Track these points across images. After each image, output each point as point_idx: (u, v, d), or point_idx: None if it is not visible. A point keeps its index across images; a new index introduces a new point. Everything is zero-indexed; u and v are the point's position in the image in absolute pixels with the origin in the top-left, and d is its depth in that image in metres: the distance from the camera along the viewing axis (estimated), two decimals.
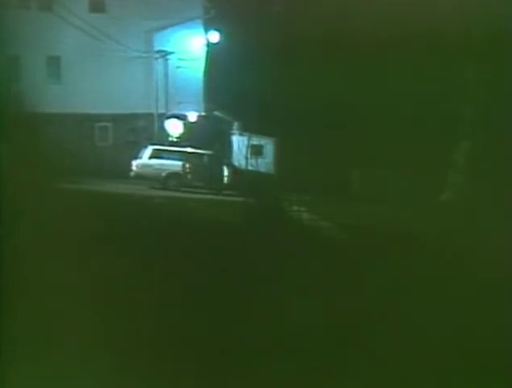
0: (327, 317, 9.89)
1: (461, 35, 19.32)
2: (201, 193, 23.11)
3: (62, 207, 12.45)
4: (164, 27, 25.25)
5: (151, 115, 25.30)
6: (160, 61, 25.39)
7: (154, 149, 24.40)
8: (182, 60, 25.60)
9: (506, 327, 9.59)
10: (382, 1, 20.54)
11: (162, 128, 25.37)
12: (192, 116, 25.60)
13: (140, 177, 23.84)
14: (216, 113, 26.17)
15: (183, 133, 25.24)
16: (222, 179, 23.98)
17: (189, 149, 24.36)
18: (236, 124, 26.42)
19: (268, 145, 25.55)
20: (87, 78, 24.27)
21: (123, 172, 23.44)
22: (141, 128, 25.45)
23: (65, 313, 9.03)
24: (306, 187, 20.34)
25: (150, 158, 24.32)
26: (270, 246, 13.04)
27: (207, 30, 25.76)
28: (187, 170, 24.03)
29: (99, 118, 24.94)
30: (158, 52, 25.39)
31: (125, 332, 8.96)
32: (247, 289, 10.80)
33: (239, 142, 25.73)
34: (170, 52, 25.43)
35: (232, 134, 26.24)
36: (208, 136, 25.09)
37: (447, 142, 20.34)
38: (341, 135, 21.97)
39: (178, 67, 25.57)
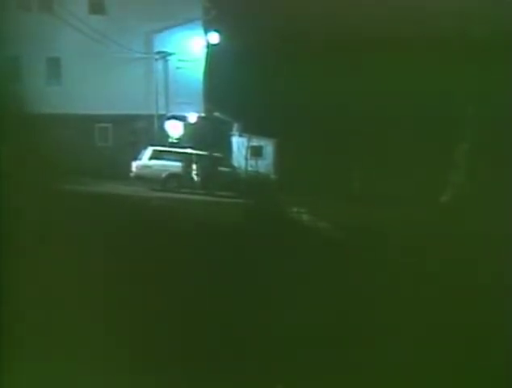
0: (327, 317, 9.90)
1: (462, 35, 19.34)
2: (201, 194, 23.10)
3: (62, 207, 12.46)
4: (164, 28, 25.24)
5: (151, 116, 25.28)
6: (160, 62, 25.38)
7: (154, 150, 24.38)
8: (182, 61, 25.58)
9: (507, 327, 9.60)
10: (382, 1, 20.56)
11: (162, 129, 25.36)
12: (192, 117, 25.59)
13: (140, 178, 23.82)
14: (216, 114, 26.16)
15: (183, 134, 25.23)
16: (222, 180, 23.97)
17: (189, 151, 24.36)
18: (236, 126, 26.42)
19: (268, 146, 25.56)
20: (87, 79, 24.27)
21: (123, 173, 23.43)
22: (141, 129, 25.43)
23: (64, 312, 9.03)
24: (305, 188, 20.36)
25: (150, 159, 24.30)
26: (269, 247, 13.04)
27: (207, 31, 25.75)
28: (187, 172, 24.03)
29: (99, 119, 24.93)
30: (158, 53, 25.38)
31: (124, 332, 8.96)
32: (247, 289, 10.81)
33: (239, 143, 25.73)
34: (170, 54, 25.42)
35: (231, 135, 26.24)
36: (208, 137, 25.08)
37: (448, 143, 20.35)
38: (341, 136, 21.98)
39: (178, 68, 25.56)
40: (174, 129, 25.29)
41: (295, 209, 18.79)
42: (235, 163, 25.45)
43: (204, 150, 24.51)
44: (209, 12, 25.75)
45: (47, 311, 8.99)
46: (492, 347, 9.14)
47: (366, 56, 21.21)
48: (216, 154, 24.76)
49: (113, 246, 11.64)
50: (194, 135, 25.08)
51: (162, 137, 25.14)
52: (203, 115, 25.89)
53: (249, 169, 24.99)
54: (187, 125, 25.41)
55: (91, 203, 15.55)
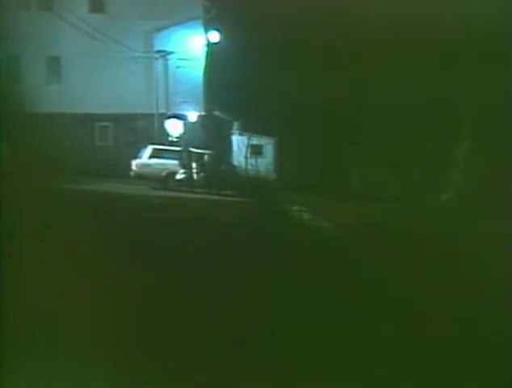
0: (327, 316, 9.90)
1: (462, 34, 19.34)
2: (201, 193, 23.11)
3: (62, 206, 12.45)
4: (164, 27, 25.26)
5: (151, 115, 25.30)
6: (160, 60, 25.40)
7: (154, 149, 24.43)
8: (182, 60, 25.60)
9: (506, 327, 9.61)
10: (383, 0, 20.56)
11: (162, 128, 25.38)
12: (192, 116, 25.61)
13: (140, 177, 23.86)
14: (216, 113, 26.18)
15: (183, 133, 25.24)
16: (222, 179, 23.98)
17: (189, 149, 24.38)
18: (236, 124, 26.43)
19: (268, 144, 25.56)
20: (87, 78, 24.29)
21: (123, 172, 23.47)
22: (141, 128, 25.45)
23: (65, 314, 9.04)
24: (306, 187, 20.37)
25: (150, 157, 24.35)
26: (269, 245, 13.04)
27: (207, 30, 25.76)
28: (187, 170, 24.06)
29: (100, 118, 24.96)
30: (158, 52, 25.40)
31: (125, 333, 8.97)
32: (247, 289, 10.81)
33: (239, 142, 25.74)
34: (170, 52, 25.44)
35: (231, 134, 26.25)
36: (208, 136, 25.11)
37: (448, 142, 20.36)
38: (341, 134, 22.00)
39: (178, 67, 25.57)
40: (174, 128, 25.31)
41: (295, 208, 18.76)
42: (235, 162, 25.46)
43: (204, 149, 24.53)
44: (209, 11, 25.76)
45: (48, 312, 9.00)
46: (492, 347, 9.15)
47: (366, 54, 21.22)
48: (216, 153, 24.76)
49: (112, 245, 11.64)
50: (194, 134, 25.10)
51: (162, 136, 25.17)
52: (203, 113, 25.91)
53: (249, 168, 25.00)
54: (187, 124, 25.42)
55: (91, 202, 15.53)
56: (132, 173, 23.95)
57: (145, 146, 24.51)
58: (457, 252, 12.94)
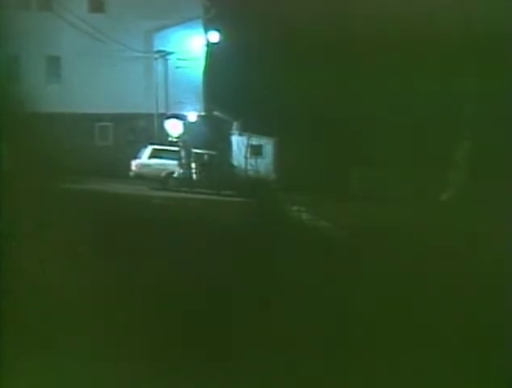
0: (327, 316, 9.91)
1: (462, 34, 19.37)
2: (200, 193, 23.11)
3: (62, 206, 12.46)
4: (164, 27, 25.27)
5: (151, 115, 25.31)
6: (160, 61, 25.40)
7: (154, 149, 24.43)
8: (181, 60, 25.61)
9: (506, 327, 9.61)
10: (383, 1, 20.57)
11: (162, 128, 25.38)
12: (192, 116, 25.61)
13: (140, 177, 23.86)
14: (216, 113, 26.18)
15: (183, 133, 25.24)
16: (221, 179, 23.98)
17: (188, 149, 24.38)
18: (235, 124, 26.43)
19: (267, 145, 25.56)
20: (87, 78, 24.30)
21: (123, 172, 23.47)
22: (141, 128, 25.46)
23: (65, 313, 9.05)
24: (305, 187, 20.38)
25: (150, 157, 24.35)
26: (269, 245, 13.05)
27: (206, 30, 25.77)
28: (187, 170, 24.06)
29: (99, 118, 24.96)
30: (158, 52, 25.41)
31: (125, 333, 8.97)
32: (247, 289, 10.81)
33: (238, 142, 25.74)
34: (170, 52, 25.45)
35: (231, 134, 26.24)
36: (208, 136, 25.09)
37: (448, 142, 20.38)
38: (341, 135, 22.00)
39: (177, 67, 25.58)
40: (174, 128, 25.30)
41: (295, 208, 18.77)
42: (235, 162, 25.46)
43: (204, 149, 24.52)
44: (209, 11, 25.77)
45: (48, 311, 9.01)
46: (492, 347, 9.16)
47: (365, 54, 21.23)
48: (215, 153, 24.76)
49: (112, 245, 11.65)
50: (193, 134, 25.09)
51: (162, 136, 25.17)
52: (202, 114, 25.91)
53: (249, 168, 25.01)
54: (187, 124, 25.42)
55: (91, 202, 15.54)
56: (131, 173, 23.94)
57: (145, 146, 24.51)
58: (457, 252, 12.94)
